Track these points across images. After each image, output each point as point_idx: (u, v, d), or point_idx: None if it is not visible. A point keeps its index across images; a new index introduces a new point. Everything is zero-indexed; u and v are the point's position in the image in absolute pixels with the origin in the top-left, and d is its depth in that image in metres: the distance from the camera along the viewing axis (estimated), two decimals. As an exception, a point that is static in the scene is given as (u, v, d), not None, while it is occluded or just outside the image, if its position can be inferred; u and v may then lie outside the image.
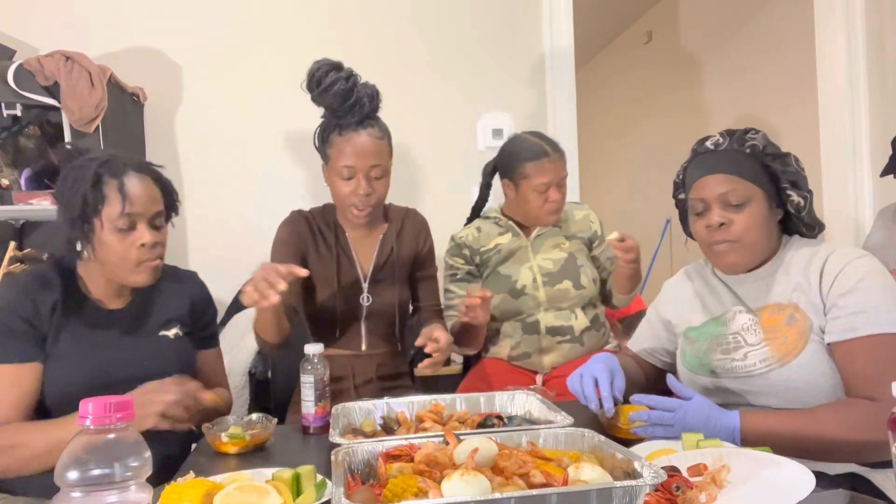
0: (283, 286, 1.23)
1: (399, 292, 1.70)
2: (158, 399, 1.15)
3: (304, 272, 1.29)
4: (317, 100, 1.55)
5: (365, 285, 1.68)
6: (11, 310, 1.24)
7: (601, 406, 1.16)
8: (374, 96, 1.58)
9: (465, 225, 2.04)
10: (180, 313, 1.41)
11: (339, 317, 1.65)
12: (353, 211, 1.59)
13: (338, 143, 1.57)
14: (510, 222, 1.94)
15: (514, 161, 1.86)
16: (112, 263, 1.27)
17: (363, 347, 1.69)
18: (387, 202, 1.75)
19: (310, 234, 1.67)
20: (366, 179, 1.56)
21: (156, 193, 1.31)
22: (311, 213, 1.73)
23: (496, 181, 1.99)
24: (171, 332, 1.38)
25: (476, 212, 2.09)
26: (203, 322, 1.47)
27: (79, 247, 1.28)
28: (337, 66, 1.52)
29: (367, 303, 1.67)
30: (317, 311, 1.67)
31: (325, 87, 1.51)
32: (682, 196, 1.35)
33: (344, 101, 1.52)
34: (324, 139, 1.61)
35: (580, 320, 1.86)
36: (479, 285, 1.92)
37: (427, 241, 1.78)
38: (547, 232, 1.93)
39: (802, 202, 1.22)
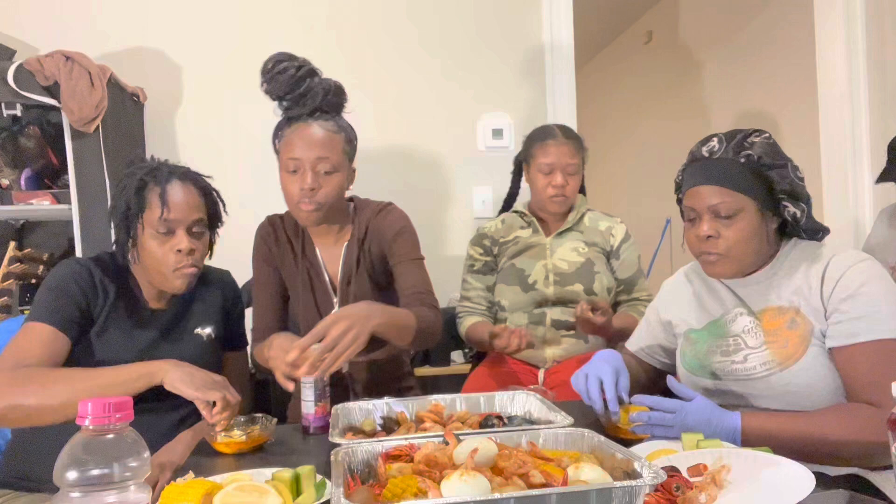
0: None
1: (372, 299, 1.57)
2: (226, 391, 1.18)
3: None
4: (266, 88, 1.46)
5: (336, 298, 1.58)
6: (74, 280, 1.30)
7: (606, 408, 1.16)
8: (331, 91, 1.48)
9: (497, 216, 2.11)
10: (214, 313, 1.47)
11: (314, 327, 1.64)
12: (301, 207, 1.44)
13: (286, 136, 1.46)
14: (533, 219, 1.98)
15: (527, 143, 1.98)
16: (152, 267, 1.33)
17: None
18: (372, 199, 1.67)
19: (275, 244, 1.60)
20: (311, 173, 1.42)
21: (197, 202, 1.35)
22: (283, 218, 1.64)
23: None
24: (205, 333, 1.44)
25: (507, 201, 2.15)
26: (232, 319, 1.53)
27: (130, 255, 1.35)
28: (291, 57, 1.45)
29: None
30: (297, 320, 1.63)
31: (274, 75, 1.43)
32: (681, 196, 1.35)
33: (292, 89, 1.44)
34: (276, 135, 1.51)
35: None
36: (495, 278, 1.98)
37: (397, 230, 1.57)
38: (567, 234, 1.95)
39: (799, 213, 1.18)
